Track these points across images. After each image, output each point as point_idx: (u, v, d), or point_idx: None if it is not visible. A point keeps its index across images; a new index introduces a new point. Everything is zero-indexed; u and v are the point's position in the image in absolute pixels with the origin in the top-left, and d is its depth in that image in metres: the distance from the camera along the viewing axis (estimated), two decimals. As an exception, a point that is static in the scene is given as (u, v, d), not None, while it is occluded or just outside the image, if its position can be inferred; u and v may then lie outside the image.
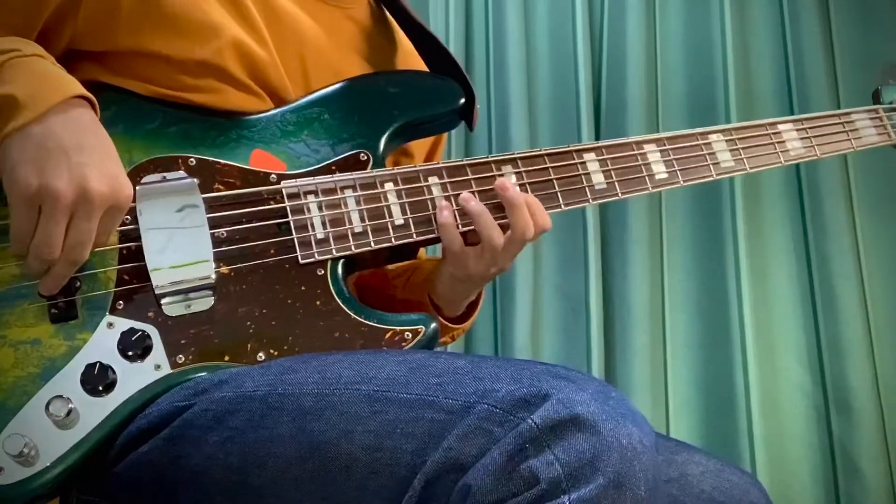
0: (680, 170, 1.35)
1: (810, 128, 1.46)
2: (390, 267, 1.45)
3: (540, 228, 1.25)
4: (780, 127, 1.44)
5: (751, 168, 1.39)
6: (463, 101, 1.33)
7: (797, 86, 2.49)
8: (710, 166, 1.37)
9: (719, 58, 2.52)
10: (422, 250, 1.46)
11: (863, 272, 2.43)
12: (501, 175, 1.28)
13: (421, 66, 1.44)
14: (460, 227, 1.24)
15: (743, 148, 1.40)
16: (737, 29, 2.52)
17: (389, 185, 1.23)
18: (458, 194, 1.24)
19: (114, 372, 1.06)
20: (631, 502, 0.84)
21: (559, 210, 1.29)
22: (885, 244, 2.46)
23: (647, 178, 1.33)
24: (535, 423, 0.85)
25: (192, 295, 1.11)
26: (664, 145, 1.35)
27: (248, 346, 1.11)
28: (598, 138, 2.48)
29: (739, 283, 2.43)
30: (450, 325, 1.37)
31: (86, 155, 1.03)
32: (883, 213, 2.46)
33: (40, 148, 1.02)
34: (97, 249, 1.09)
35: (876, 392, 2.37)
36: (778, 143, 1.43)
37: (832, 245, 2.43)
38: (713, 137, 1.39)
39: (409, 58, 1.46)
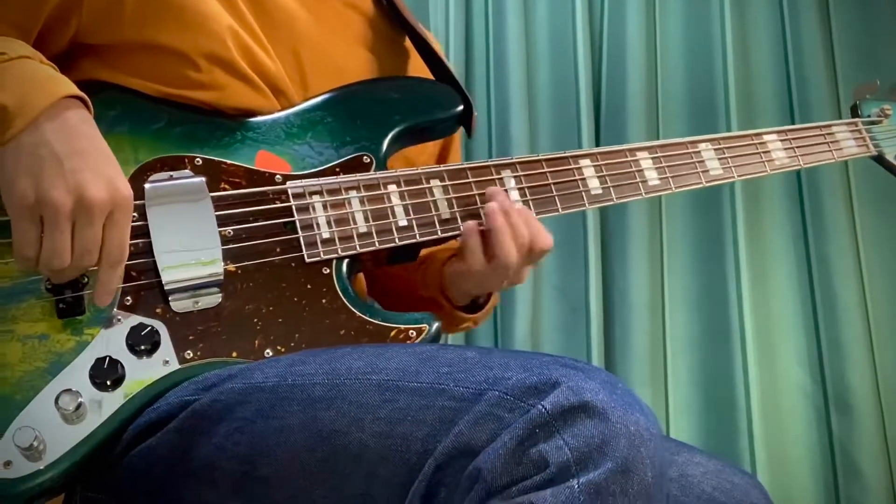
0: (671, 177, 1.39)
1: (794, 139, 1.51)
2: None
3: (537, 243, 1.26)
4: (766, 137, 1.49)
5: (738, 176, 1.44)
6: (461, 107, 1.35)
7: (797, 85, 2.49)
8: (700, 174, 1.42)
9: (719, 58, 2.52)
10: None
11: (863, 272, 2.43)
12: (500, 178, 1.30)
13: (421, 63, 1.45)
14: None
15: (731, 157, 1.44)
16: (737, 29, 2.52)
17: (393, 187, 1.25)
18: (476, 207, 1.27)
19: (122, 367, 1.07)
20: (638, 487, 0.85)
21: (556, 214, 1.32)
22: (885, 244, 2.46)
23: (640, 184, 1.37)
24: (545, 408, 0.87)
25: (199, 292, 1.12)
26: (656, 153, 1.39)
27: (256, 342, 1.12)
28: (597, 138, 2.49)
29: (739, 282, 2.43)
30: (463, 315, 1.39)
31: (80, 160, 1.03)
32: (883, 213, 2.46)
33: (34, 157, 1.01)
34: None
35: (876, 392, 2.37)
36: (763, 152, 1.48)
37: (832, 245, 2.43)
38: (702, 146, 1.43)
39: (412, 53, 1.47)
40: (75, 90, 1.07)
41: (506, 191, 1.29)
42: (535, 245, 1.26)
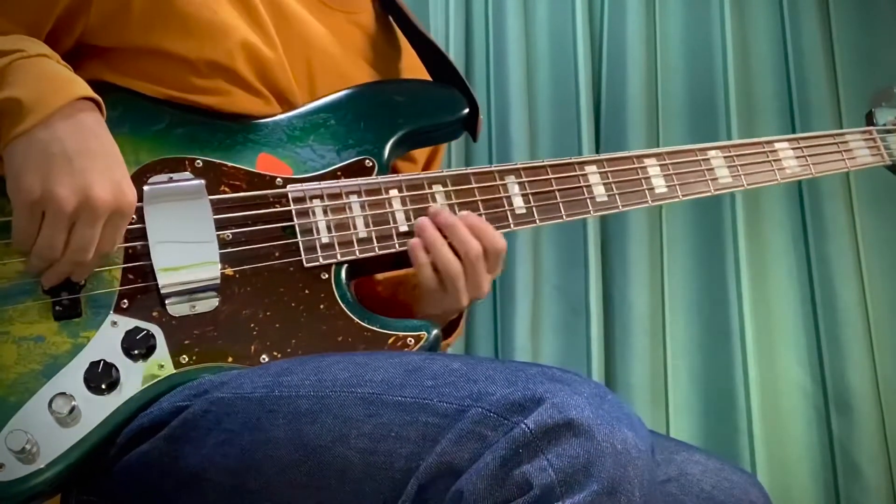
0: (679, 184, 1.37)
1: (806, 147, 1.49)
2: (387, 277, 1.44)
3: (490, 246, 1.22)
4: (777, 145, 1.47)
5: (748, 185, 1.42)
6: (466, 111, 1.34)
7: (797, 86, 2.48)
8: (709, 182, 1.39)
9: (719, 58, 2.51)
10: None
11: (863, 272, 2.42)
12: (504, 184, 1.28)
13: (424, 75, 1.45)
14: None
15: (740, 165, 1.42)
16: (737, 29, 2.51)
17: (394, 192, 1.24)
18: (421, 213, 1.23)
19: (117, 370, 1.06)
20: None
21: (560, 221, 1.30)
22: (885, 244, 2.45)
23: (646, 191, 1.35)
24: (528, 427, 0.85)
25: (196, 296, 1.12)
26: (664, 160, 1.37)
27: (252, 347, 1.12)
28: (597, 138, 2.48)
29: (739, 283, 2.43)
30: None
31: (90, 160, 1.04)
32: (883, 214, 2.45)
33: (44, 153, 1.02)
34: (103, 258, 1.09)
35: (876, 392, 2.36)
36: (774, 160, 1.46)
37: (832, 245, 2.42)
38: (712, 154, 1.41)
39: (414, 66, 1.46)
40: (90, 92, 1.08)
41: (509, 197, 1.27)
42: (490, 250, 1.22)
